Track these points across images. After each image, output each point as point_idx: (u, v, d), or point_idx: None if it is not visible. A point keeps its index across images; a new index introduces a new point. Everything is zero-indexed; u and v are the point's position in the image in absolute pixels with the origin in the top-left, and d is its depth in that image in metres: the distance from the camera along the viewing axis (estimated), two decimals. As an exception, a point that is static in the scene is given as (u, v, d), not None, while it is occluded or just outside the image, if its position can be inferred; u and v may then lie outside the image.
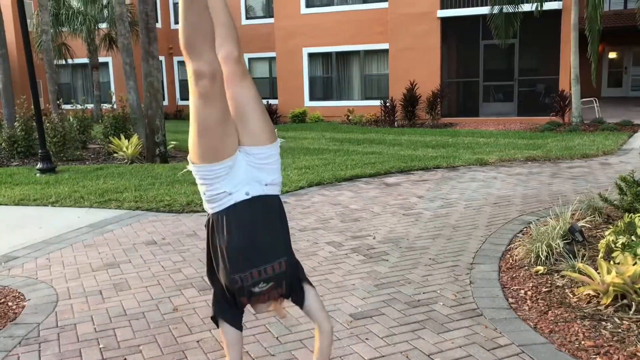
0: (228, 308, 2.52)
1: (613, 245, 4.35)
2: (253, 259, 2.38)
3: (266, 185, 2.45)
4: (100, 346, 3.54)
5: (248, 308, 2.57)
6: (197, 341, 3.57)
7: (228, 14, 2.47)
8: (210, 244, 2.48)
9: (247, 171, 2.40)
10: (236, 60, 2.42)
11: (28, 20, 10.67)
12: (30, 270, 5.03)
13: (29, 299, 4.35)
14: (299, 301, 2.60)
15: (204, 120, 2.34)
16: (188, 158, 2.47)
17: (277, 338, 3.58)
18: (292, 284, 2.53)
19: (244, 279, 2.38)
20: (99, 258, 5.33)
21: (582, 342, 3.37)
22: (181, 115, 23.84)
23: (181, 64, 25.10)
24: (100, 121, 16.62)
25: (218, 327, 2.57)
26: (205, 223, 2.53)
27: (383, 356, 3.30)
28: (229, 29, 2.43)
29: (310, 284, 2.64)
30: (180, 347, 3.49)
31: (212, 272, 2.53)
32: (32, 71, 10.16)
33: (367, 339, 3.53)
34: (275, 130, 2.52)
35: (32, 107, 10.38)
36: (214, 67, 2.26)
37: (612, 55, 27.60)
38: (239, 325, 2.56)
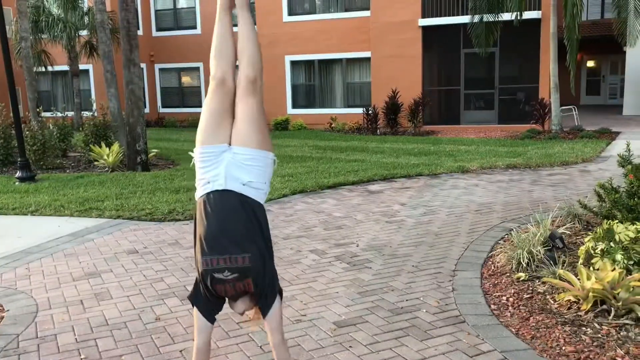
0: (202, 297, 2.77)
1: (592, 252, 4.41)
2: (218, 246, 2.65)
3: (244, 184, 2.73)
4: (82, 357, 3.50)
5: (230, 315, 2.56)
6: (180, 351, 3.54)
7: (255, 47, 3.08)
8: (194, 228, 2.78)
9: (228, 166, 2.73)
10: (251, 81, 2.95)
11: (7, 27, 10.54)
12: (9, 281, 4.96)
13: (7, 310, 4.28)
14: (265, 308, 2.78)
15: (206, 109, 2.87)
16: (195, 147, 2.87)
17: (260, 347, 3.56)
18: (262, 287, 2.73)
19: (209, 263, 2.65)
20: (79, 267, 5.27)
21: (563, 348, 3.40)
22: (162, 122, 23.71)
23: (162, 71, 24.99)
24: (80, 129, 16.44)
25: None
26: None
27: (367, 364, 3.31)
28: (253, 58, 3.03)
29: (281, 296, 2.85)
30: (163, 357, 3.47)
31: (196, 258, 2.78)
32: (11, 78, 10.04)
33: (350, 346, 3.53)
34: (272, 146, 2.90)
35: (11, 114, 10.26)
36: (225, 76, 2.91)
37: (590, 63, 28.06)
38: (209, 317, 2.79)
